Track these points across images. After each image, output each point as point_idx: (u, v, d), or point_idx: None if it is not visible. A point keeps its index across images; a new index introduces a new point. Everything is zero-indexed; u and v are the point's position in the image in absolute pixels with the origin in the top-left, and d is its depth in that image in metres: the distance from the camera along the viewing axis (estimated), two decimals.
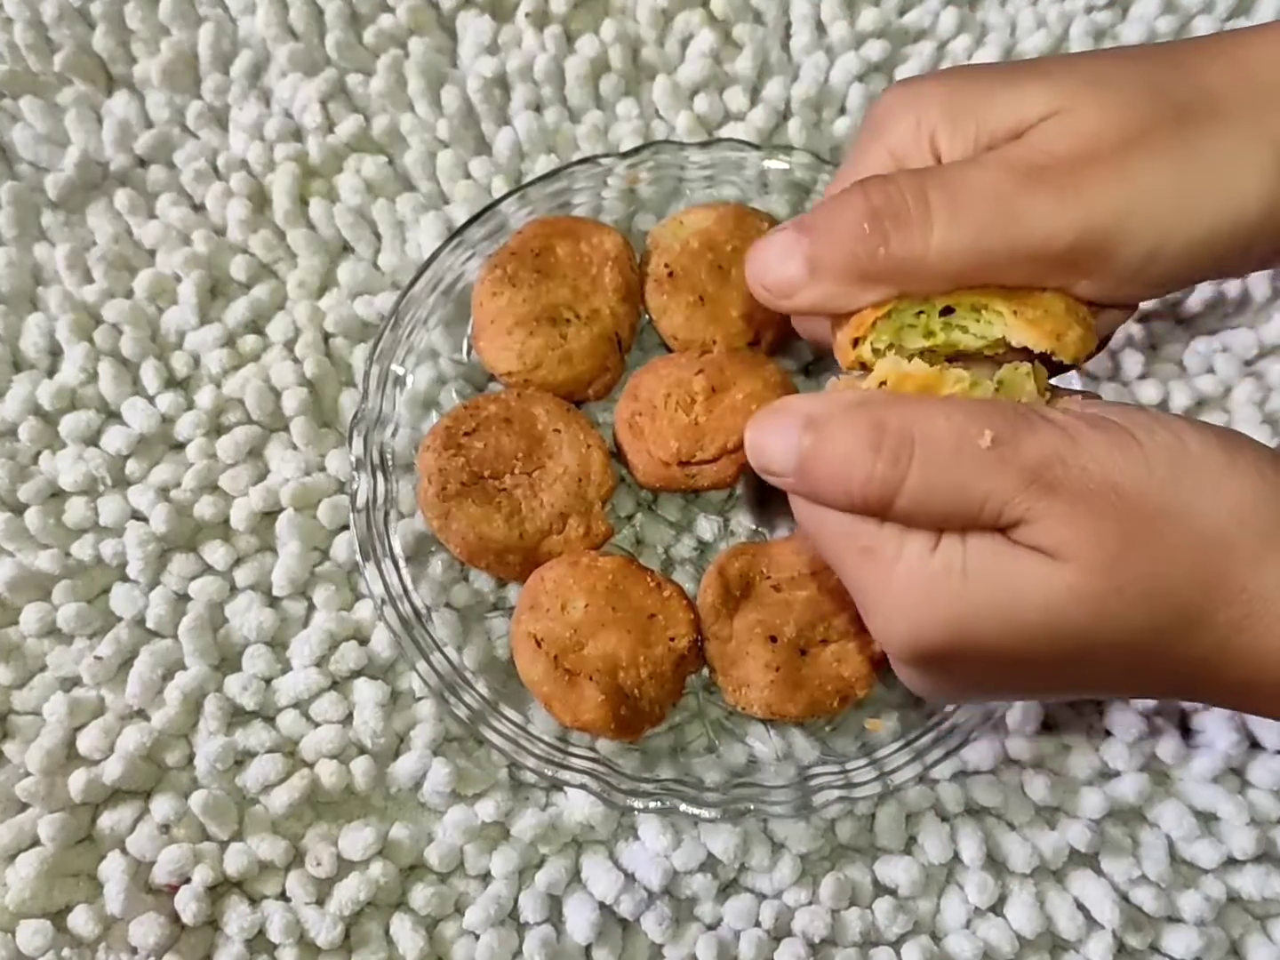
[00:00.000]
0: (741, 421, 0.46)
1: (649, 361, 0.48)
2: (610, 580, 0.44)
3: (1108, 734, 0.47)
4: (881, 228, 0.32)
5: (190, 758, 0.45)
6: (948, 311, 0.33)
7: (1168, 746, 0.46)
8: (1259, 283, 0.51)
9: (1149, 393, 0.50)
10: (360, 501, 0.46)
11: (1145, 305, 0.51)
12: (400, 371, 0.48)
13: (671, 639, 0.44)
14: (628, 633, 0.43)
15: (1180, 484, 0.29)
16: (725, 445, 0.45)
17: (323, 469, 0.49)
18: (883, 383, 0.33)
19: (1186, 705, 0.47)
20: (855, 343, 0.34)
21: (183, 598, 0.47)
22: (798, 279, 0.33)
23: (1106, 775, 0.46)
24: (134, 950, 0.42)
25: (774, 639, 0.43)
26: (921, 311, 0.33)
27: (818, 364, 0.51)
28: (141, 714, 0.45)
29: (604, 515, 0.46)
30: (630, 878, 0.44)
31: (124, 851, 0.43)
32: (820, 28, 0.57)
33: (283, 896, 0.44)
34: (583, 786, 0.43)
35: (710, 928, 0.44)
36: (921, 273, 0.32)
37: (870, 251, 0.32)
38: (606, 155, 0.50)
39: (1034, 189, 0.32)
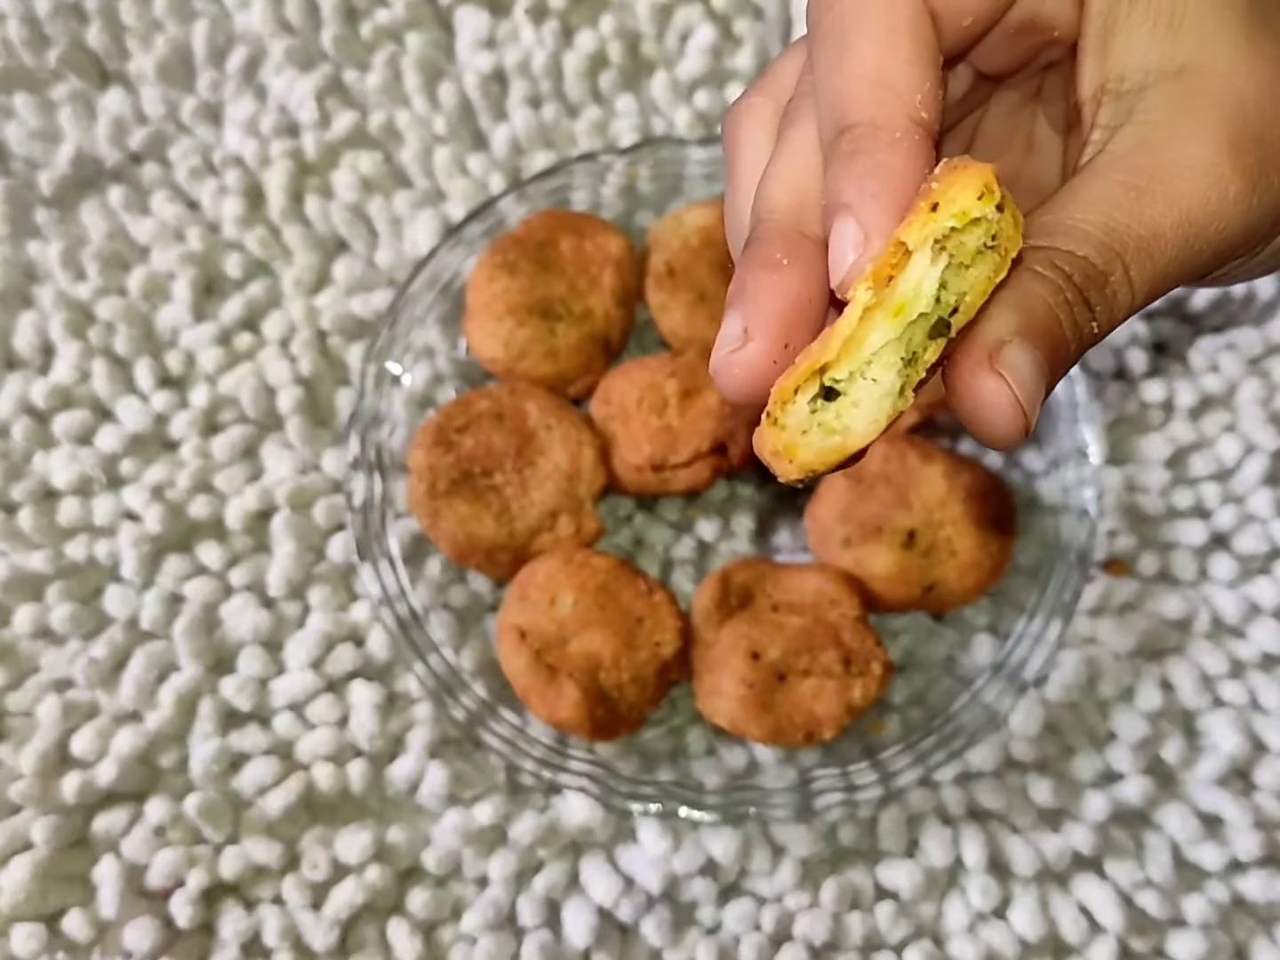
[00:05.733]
0: (714, 424, 0.45)
1: (621, 364, 0.48)
2: (601, 580, 0.44)
3: (1111, 735, 0.46)
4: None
5: (185, 760, 0.45)
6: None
7: (1172, 748, 0.46)
8: (1265, 282, 0.51)
9: (1154, 391, 0.50)
10: (358, 501, 0.46)
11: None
12: (397, 370, 0.48)
13: (657, 644, 0.43)
14: (613, 634, 0.43)
15: None
16: (699, 449, 0.45)
17: (318, 468, 0.49)
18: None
19: (1190, 705, 0.46)
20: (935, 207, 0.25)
21: (177, 598, 0.47)
22: None
23: (1110, 778, 0.46)
24: (128, 954, 0.42)
25: (756, 656, 0.43)
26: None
27: None
28: (136, 716, 0.45)
29: (595, 513, 0.46)
30: (629, 881, 0.44)
31: (118, 855, 0.43)
32: None
33: (278, 900, 0.43)
34: (581, 789, 0.43)
35: (710, 932, 0.44)
36: None
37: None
38: (605, 151, 0.50)
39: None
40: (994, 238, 0.23)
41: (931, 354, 0.24)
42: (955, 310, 0.23)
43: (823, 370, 0.23)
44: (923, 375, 0.24)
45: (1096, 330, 0.25)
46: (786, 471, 0.24)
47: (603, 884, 0.43)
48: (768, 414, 0.24)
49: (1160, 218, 0.25)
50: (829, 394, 0.24)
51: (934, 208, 0.23)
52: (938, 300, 0.23)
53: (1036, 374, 0.24)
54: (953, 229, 0.23)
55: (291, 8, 0.54)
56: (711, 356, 0.26)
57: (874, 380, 0.23)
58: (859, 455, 0.24)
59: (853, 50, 0.25)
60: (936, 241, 0.23)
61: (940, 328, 0.24)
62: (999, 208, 0.23)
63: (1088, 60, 0.28)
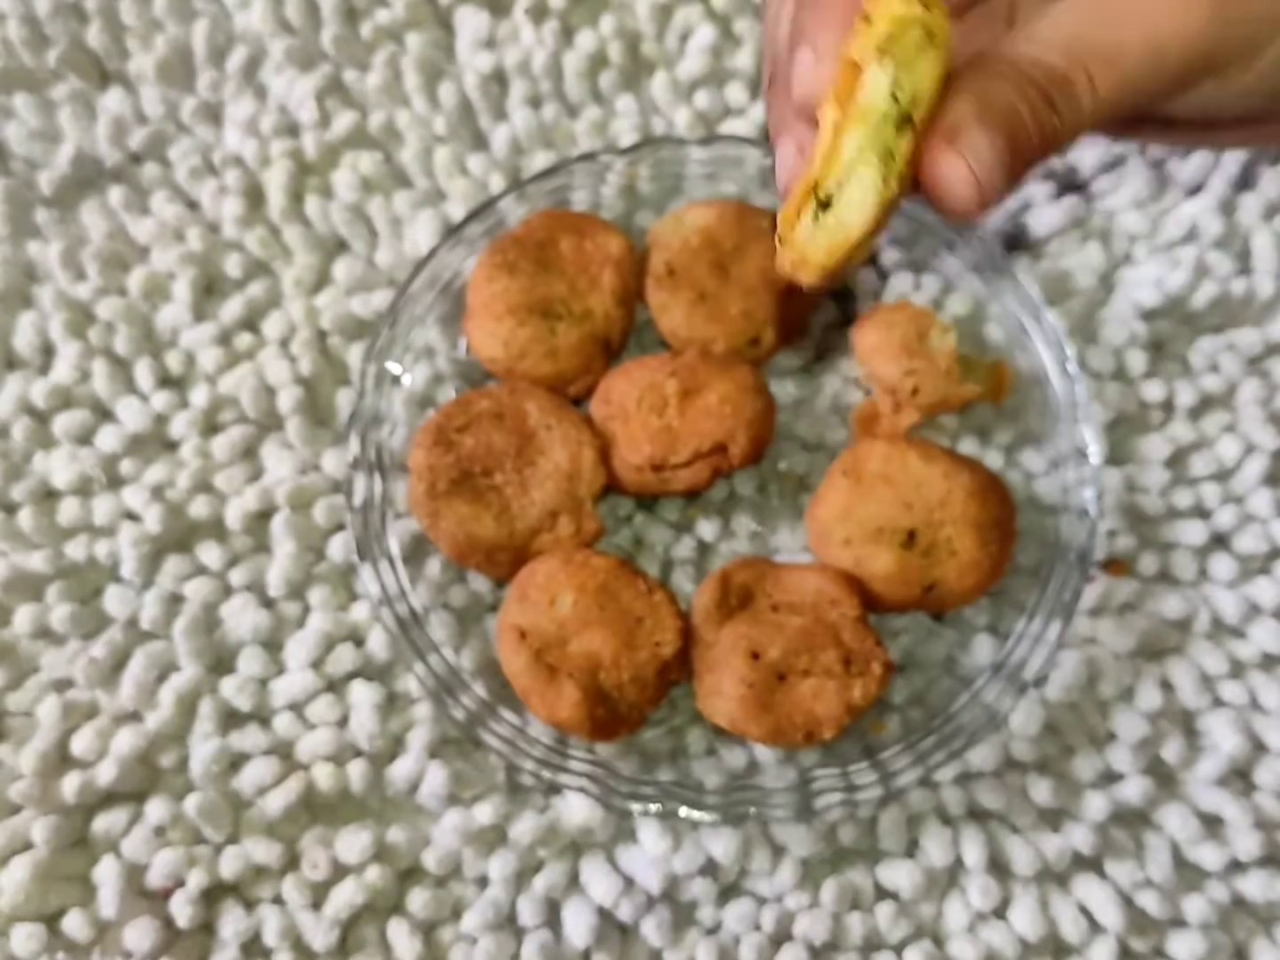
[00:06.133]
0: (714, 424, 0.45)
1: (621, 364, 0.48)
2: (601, 580, 0.44)
3: (1111, 736, 0.46)
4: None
5: (185, 760, 0.45)
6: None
7: (1172, 748, 0.46)
8: (1264, 281, 0.51)
9: (1154, 391, 0.50)
10: (357, 501, 0.46)
11: (1150, 304, 0.50)
12: (397, 370, 0.48)
13: (657, 644, 0.43)
14: (613, 634, 0.43)
15: None
16: (699, 449, 0.45)
17: (318, 468, 0.49)
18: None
19: (1190, 705, 0.46)
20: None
21: (177, 599, 0.47)
22: None
23: (1110, 777, 0.46)
24: (128, 955, 0.42)
25: (756, 656, 0.43)
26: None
27: (819, 363, 0.50)
28: (136, 716, 0.45)
29: (595, 513, 0.46)
30: (629, 882, 0.44)
31: (118, 855, 0.43)
32: None
33: (278, 900, 0.43)
34: (581, 789, 0.43)
35: (710, 932, 0.44)
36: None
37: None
38: (605, 151, 0.50)
39: None
40: (931, 35, 0.27)
41: (905, 146, 0.28)
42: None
43: (815, 188, 0.28)
44: (902, 168, 0.28)
45: (1059, 125, 0.29)
46: (808, 277, 0.29)
47: (603, 884, 0.43)
48: (779, 239, 0.29)
49: (1126, 32, 0.29)
50: (825, 206, 0.28)
51: (868, 20, 0.27)
52: (896, 100, 0.27)
53: (992, 153, 0.27)
54: (890, 35, 0.27)
55: (291, 8, 0.54)
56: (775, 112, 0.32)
57: (859, 179, 0.28)
58: (865, 250, 0.29)
59: None
60: (879, 49, 0.27)
61: (904, 122, 0.28)
62: (925, 6, 0.27)
63: None
